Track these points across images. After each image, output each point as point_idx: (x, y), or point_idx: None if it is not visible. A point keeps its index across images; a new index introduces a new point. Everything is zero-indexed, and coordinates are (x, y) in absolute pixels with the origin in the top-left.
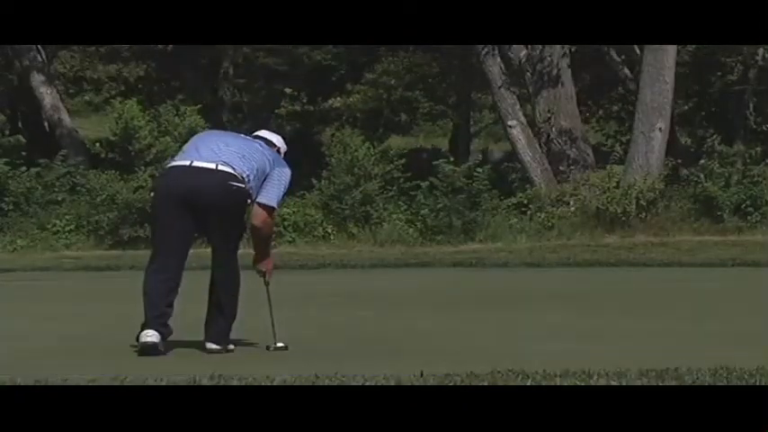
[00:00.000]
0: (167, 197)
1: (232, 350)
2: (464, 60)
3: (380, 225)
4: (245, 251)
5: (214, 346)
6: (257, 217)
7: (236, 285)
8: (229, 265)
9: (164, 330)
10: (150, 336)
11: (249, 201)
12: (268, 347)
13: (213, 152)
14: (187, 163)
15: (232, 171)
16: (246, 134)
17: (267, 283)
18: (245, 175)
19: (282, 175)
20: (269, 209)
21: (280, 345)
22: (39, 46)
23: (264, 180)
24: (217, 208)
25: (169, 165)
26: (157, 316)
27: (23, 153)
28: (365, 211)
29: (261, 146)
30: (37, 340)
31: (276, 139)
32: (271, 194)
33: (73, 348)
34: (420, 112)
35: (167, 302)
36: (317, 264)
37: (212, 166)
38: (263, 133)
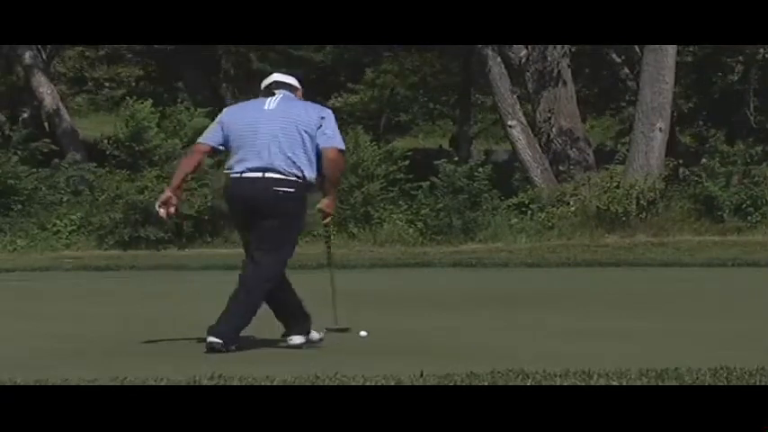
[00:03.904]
0: (233, 211)
1: (233, 350)
2: (464, 60)
3: (381, 225)
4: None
5: (215, 340)
6: (327, 158)
7: (260, 287)
8: (264, 265)
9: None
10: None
11: (305, 195)
12: (328, 329)
13: (260, 158)
14: (239, 173)
15: (280, 176)
16: (274, 100)
17: (326, 225)
18: (298, 174)
19: (329, 119)
20: (335, 150)
21: (339, 327)
22: (39, 46)
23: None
24: (266, 215)
25: (231, 172)
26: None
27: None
28: (366, 211)
29: (297, 124)
30: (37, 340)
31: (294, 81)
32: (331, 138)
33: (73, 348)
34: (420, 112)
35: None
36: (317, 264)
37: (259, 174)
38: (279, 77)
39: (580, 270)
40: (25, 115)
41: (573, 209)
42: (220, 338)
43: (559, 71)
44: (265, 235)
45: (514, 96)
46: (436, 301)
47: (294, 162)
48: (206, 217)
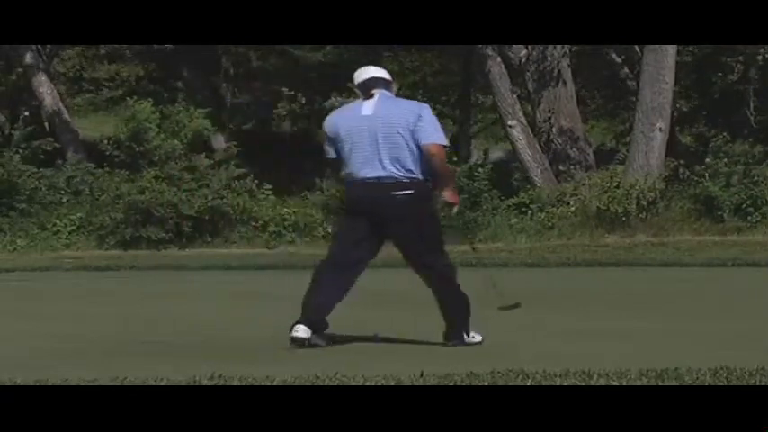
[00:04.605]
0: (353, 216)
1: (478, 341)
2: (464, 60)
3: None
4: None
5: (460, 343)
6: (428, 153)
7: (454, 282)
8: (437, 266)
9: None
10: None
11: (429, 194)
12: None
13: (371, 165)
14: (355, 181)
15: (395, 181)
16: (372, 104)
17: (455, 214)
18: (410, 176)
19: (426, 115)
20: (435, 145)
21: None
22: (39, 46)
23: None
24: (394, 222)
25: (348, 179)
26: None
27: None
28: None
29: (396, 127)
30: (37, 340)
31: (388, 75)
32: (430, 134)
33: (73, 348)
34: None
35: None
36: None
37: (374, 181)
38: (376, 72)
39: (580, 270)
40: (26, 115)
41: (573, 209)
42: (455, 341)
43: (559, 71)
44: (414, 244)
45: (514, 96)
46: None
47: (403, 165)
48: (206, 217)
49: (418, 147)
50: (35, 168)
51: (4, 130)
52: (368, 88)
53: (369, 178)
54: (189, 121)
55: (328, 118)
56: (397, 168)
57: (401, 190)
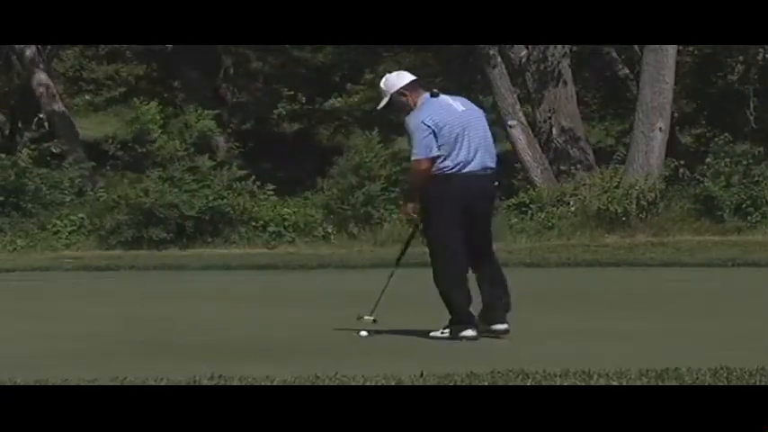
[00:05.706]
0: (454, 207)
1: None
2: (464, 60)
3: (381, 225)
4: None
5: (505, 327)
6: None
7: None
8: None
9: None
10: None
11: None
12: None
13: (477, 157)
14: (464, 172)
15: (492, 171)
16: (456, 101)
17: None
18: (496, 166)
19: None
20: None
21: (368, 318)
22: (39, 46)
23: None
24: (486, 208)
25: (450, 170)
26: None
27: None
28: (366, 211)
29: (485, 121)
30: (37, 340)
31: None
32: None
33: (73, 348)
34: None
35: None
36: (317, 264)
37: (481, 172)
38: (410, 74)
39: (580, 270)
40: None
41: (573, 209)
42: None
43: (560, 71)
44: (486, 225)
45: (514, 96)
46: (437, 301)
47: (494, 155)
48: (206, 217)
49: None
50: (39, 168)
51: (5, 131)
52: (416, 89)
53: (478, 168)
54: (196, 121)
55: (432, 116)
56: (492, 158)
57: (495, 180)
